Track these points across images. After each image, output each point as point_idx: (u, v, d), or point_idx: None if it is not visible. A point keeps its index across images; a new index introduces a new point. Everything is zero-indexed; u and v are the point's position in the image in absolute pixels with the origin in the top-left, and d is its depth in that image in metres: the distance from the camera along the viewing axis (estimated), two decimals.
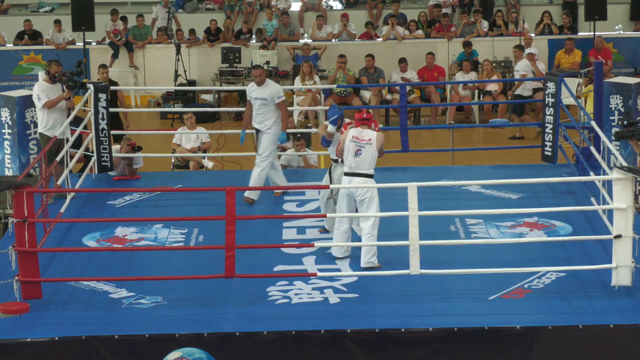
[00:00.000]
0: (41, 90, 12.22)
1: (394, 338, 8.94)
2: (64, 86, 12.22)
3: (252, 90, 12.27)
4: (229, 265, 9.46)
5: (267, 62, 21.10)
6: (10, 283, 9.39)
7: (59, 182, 11.81)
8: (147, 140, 16.22)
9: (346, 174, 10.33)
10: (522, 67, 19.30)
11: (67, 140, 12.28)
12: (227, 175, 12.54)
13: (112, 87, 15.90)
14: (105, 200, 12.54)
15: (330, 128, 10.86)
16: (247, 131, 12.54)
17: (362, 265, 10.19)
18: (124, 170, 13.63)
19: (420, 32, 22.20)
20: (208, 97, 21.39)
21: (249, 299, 9.62)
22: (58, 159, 11.84)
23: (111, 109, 14.53)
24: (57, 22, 22.11)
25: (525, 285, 9.73)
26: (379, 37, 22.30)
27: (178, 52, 20.78)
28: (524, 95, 19.23)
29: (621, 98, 13.58)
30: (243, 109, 14.83)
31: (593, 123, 12.48)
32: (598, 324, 9.00)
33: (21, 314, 9.11)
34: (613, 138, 12.94)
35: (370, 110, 10.62)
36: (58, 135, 12.16)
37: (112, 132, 13.96)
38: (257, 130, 12.28)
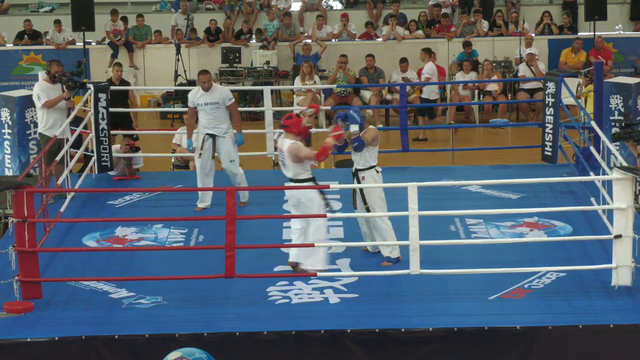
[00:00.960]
0: (41, 90, 12.23)
1: (394, 338, 8.94)
2: (64, 86, 12.23)
3: (199, 96, 12.06)
4: (229, 265, 9.46)
5: (267, 62, 21.11)
6: (10, 283, 9.39)
7: (59, 182, 11.81)
8: (147, 140, 16.23)
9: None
10: (427, 70, 19.50)
11: (67, 140, 12.28)
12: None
13: (124, 87, 15.95)
14: (105, 200, 12.54)
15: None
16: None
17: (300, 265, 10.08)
18: (124, 170, 13.63)
19: (420, 32, 22.20)
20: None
21: (249, 299, 9.61)
22: (58, 158, 11.84)
23: (121, 109, 14.61)
24: (57, 22, 22.12)
25: (525, 285, 9.73)
26: (378, 37, 22.30)
27: (178, 52, 20.79)
28: (430, 99, 19.48)
29: (621, 98, 13.58)
30: (243, 109, 14.88)
31: (593, 123, 12.48)
32: (598, 324, 8.99)
33: (25, 313, 9.12)
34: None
35: (298, 115, 10.35)
36: (58, 135, 12.16)
37: (121, 131, 14.03)
38: (213, 136, 12.10)
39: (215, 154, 12.22)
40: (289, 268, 10.22)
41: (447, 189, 12.39)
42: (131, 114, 15.81)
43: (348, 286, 9.84)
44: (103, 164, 13.27)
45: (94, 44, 22.32)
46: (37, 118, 12.70)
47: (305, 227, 10.19)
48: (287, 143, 10.13)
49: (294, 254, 10.14)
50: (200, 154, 12.10)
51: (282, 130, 10.42)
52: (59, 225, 11.18)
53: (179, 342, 8.57)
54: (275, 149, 14.60)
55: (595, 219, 11.00)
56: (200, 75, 12.11)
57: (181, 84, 20.64)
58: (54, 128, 12.23)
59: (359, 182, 10.48)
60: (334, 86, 19.16)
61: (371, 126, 10.62)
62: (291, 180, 10.15)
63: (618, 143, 12.94)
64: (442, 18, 22.33)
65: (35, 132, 13.36)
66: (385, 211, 10.39)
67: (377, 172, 10.57)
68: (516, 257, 10.25)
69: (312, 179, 10.15)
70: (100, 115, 13.18)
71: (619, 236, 9.49)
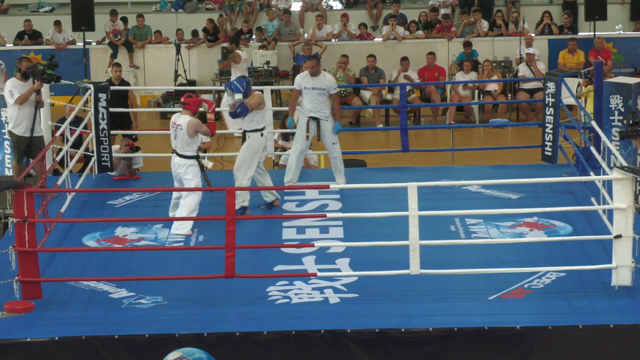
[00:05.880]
0: (13, 87, 12.47)
1: (394, 338, 8.94)
2: (36, 79, 12.31)
3: (307, 80, 12.62)
4: (229, 265, 9.46)
5: (267, 62, 21.10)
6: (10, 283, 9.39)
7: (59, 182, 11.83)
8: (147, 140, 16.23)
9: (172, 151, 11.49)
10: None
11: (38, 138, 12.51)
12: (227, 175, 12.52)
13: (124, 87, 15.96)
14: (105, 200, 12.54)
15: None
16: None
17: (172, 232, 11.24)
18: (124, 170, 13.63)
19: (420, 32, 22.21)
20: (208, 97, 21.39)
21: (249, 299, 9.61)
22: (60, 158, 11.89)
23: (120, 109, 14.62)
24: (57, 23, 22.14)
25: (525, 285, 9.73)
26: (373, 37, 22.34)
27: (178, 52, 20.79)
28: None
29: (621, 98, 13.58)
30: None
31: (593, 123, 12.48)
32: (598, 324, 8.99)
33: (26, 312, 9.12)
34: (614, 137, 12.95)
35: (192, 94, 11.67)
36: (27, 134, 12.39)
37: (120, 132, 14.04)
38: (316, 119, 12.59)
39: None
40: (288, 268, 10.24)
41: (447, 189, 12.39)
42: (131, 114, 15.83)
43: (348, 286, 9.84)
44: (103, 164, 13.28)
45: (93, 44, 22.33)
46: (7, 117, 12.87)
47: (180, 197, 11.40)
48: (185, 118, 11.32)
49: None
50: (307, 136, 12.64)
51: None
52: (59, 225, 11.17)
53: (179, 342, 8.57)
54: (277, 148, 14.73)
55: (595, 219, 10.99)
56: (307, 61, 12.83)
57: (181, 84, 20.65)
58: (22, 125, 12.43)
59: (244, 141, 11.89)
60: None
61: (256, 92, 11.92)
62: (177, 154, 11.37)
63: (618, 143, 12.94)
64: (442, 20, 22.34)
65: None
66: (247, 169, 11.76)
67: (262, 135, 11.90)
68: (516, 257, 10.25)
69: (197, 157, 11.48)
70: (100, 115, 13.19)
71: (619, 236, 9.48)
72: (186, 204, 11.25)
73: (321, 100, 12.58)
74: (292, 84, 19.93)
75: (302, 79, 12.68)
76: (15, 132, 12.50)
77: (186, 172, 11.35)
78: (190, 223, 11.24)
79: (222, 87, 20.42)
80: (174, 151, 11.45)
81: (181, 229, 11.23)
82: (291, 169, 12.68)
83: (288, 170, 12.71)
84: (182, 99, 11.47)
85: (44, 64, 12.44)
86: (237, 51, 18.26)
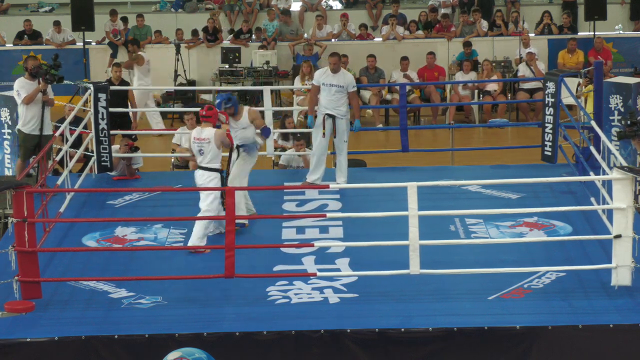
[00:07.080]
0: (21, 87, 12.52)
1: (394, 338, 8.94)
2: (41, 78, 12.35)
3: (326, 76, 12.63)
4: (229, 265, 9.47)
5: (267, 62, 21.10)
6: (10, 283, 9.39)
7: (59, 182, 11.84)
8: (147, 140, 16.24)
9: (198, 167, 11.06)
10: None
11: (47, 137, 12.48)
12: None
13: (123, 87, 15.98)
14: (105, 200, 12.54)
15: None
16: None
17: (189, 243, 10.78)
18: (124, 170, 13.63)
19: (420, 32, 22.21)
20: (208, 97, 21.41)
21: (249, 299, 9.61)
22: (61, 156, 11.92)
23: (120, 109, 14.64)
24: (57, 24, 22.14)
25: (525, 285, 9.73)
26: (373, 37, 22.34)
27: (178, 52, 20.79)
28: None
29: (621, 98, 13.58)
30: None
31: (593, 123, 12.48)
32: (598, 324, 8.99)
33: (26, 312, 9.12)
34: (614, 137, 12.95)
35: (213, 106, 11.32)
36: (38, 132, 12.42)
37: (120, 132, 14.06)
38: (332, 116, 12.59)
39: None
40: (288, 268, 10.24)
41: (447, 189, 12.39)
42: (131, 115, 15.83)
43: (348, 286, 9.84)
44: (103, 164, 13.29)
45: (93, 44, 22.33)
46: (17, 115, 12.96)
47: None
48: (210, 131, 10.93)
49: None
50: (323, 134, 12.61)
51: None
52: (59, 225, 11.18)
53: (178, 342, 8.57)
54: (277, 148, 14.72)
55: (595, 219, 10.99)
56: (330, 57, 12.77)
57: (181, 84, 20.65)
58: (30, 123, 12.47)
59: (238, 155, 11.54)
60: None
61: (245, 106, 11.70)
62: (201, 167, 10.94)
63: (618, 143, 12.94)
64: (442, 19, 22.34)
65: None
66: (244, 182, 11.47)
67: (257, 148, 11.76)
68: (516, 257, 10.25)
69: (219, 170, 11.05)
70: (100, 115, 13.20)
71: (618, 236, 9.49)
72: (203, 222, 10.76)
73: (338, 98, 12.59)
74: (292, 84, 20.21)
75: (322, 75, 12.68)
76: (24, 130, 12.52)
77: (209, 184, 10.88)
78: (205, 239, 10.86)
79: (222, 88, 20.49)
80: (200, 167, 10.96)
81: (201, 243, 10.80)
82: (312, 167, 12.75)
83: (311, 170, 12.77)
84: (204, 112, 10.99)
85: (47, 65, 12.44)
86: (140, 53, 18.36)
